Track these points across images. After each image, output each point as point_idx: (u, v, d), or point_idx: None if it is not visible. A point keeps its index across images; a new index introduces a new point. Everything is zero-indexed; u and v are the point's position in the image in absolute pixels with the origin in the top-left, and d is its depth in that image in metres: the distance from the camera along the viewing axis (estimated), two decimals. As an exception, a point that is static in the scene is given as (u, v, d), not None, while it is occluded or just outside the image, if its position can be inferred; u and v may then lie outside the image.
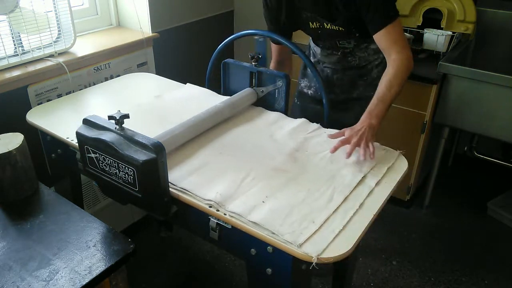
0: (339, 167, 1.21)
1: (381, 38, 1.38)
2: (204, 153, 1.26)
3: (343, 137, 1.26)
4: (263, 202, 1.06)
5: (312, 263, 0.91)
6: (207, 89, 1.66)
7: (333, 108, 1.65)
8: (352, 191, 1.12)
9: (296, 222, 0.99)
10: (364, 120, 1.30)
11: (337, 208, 1.05)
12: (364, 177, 1.17)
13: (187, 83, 1.71)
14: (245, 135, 1.37)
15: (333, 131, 1.36)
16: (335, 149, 1.25)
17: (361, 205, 1.07)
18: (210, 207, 1.04)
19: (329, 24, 1.45)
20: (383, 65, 1.59)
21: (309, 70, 1.74)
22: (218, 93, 1.60)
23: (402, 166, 1.23)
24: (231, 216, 1.02)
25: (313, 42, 1.71)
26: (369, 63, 1.60)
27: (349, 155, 1.23)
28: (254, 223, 0.99)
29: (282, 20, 1.53)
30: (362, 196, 1.10)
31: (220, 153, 1.27)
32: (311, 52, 1.74)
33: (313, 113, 1.69)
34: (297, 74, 2.35)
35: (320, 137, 1.36)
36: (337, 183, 1.14)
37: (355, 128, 1.27)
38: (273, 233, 0.96)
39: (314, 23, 1.49)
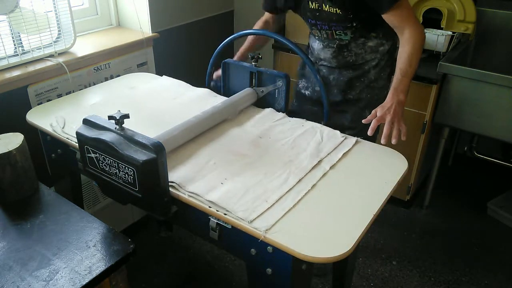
0: (298, 152, 1.27)
1: (392, 17, 1.39)
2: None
3: (377, 117, 1.29)
4: (221, 183, 1.12)
5: (312, 262, 0.91)
6: (181, 81, 1.72)
7: (330, 109, 1.65)
8: (307, 174, 1.17)
9: (250, 201, 1.05)
10: (392, 97, 1.33)
11: (290, 189, 1.11)
12: (320, 161, 1.22)
13: (163, 75, 1.77)
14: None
15: (301, 121, 1.43)
16: (373, 130, 1.29)
17: (314, 186, 1.12)
18: (210, 207, 1.04)
19: (327, 6, 1.45)
20: (380, 66, 1.59)
21: (307, 70, 1.74)
22: (196, 86, 1.62)
23: (402, 166, 1.23)
24: (190, 196, 1.07)
25: (310, 32, 1.69)
26: (366, 63, 1.59)
27: (387, 135, 1.26)
28: (211, 201, 1.05)
29: None
30: (316, 178, 1.15)
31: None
32: (309, 50, 1.74)
33: (311, 114, 1.69)
34: (296, 74, 2.35)
35: (284, 126, 1.42)
36: (293, 167, 1.20)
37: (386, 106, 1.31)
38: (228, 211, 1.02)
39: (313, 2, 1.48)
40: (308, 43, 1.76)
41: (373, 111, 1.33)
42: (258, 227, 0.97)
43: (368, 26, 1.52)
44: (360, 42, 1.56)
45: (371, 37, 1.55)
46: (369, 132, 1.29)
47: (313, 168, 1.19)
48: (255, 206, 1.04)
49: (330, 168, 1.20)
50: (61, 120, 1.41)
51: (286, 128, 1.40)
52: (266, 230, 0.97)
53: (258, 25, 1.71)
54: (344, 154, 1.27)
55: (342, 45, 1.57)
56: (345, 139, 1.34)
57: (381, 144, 1.29)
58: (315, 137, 1.34)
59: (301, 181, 1.14)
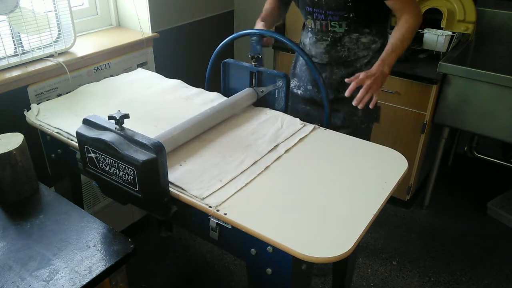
0: (257, 137, 1.33)
1: (394, 2, 1.46)
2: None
3: (358, 79, 1.36)
4: (180, 165, 1.18)
5: (312, 262, 0.91)
6: (156, 74, 1.77)
7: (319, 105, 1.65)
8: (262, 157, 1.23)
9: (205, 181, 1.12)
10: (377, 67, 1.41)
11: (245, 170, 1.17)
12: (276, 146, 1.29)
13: (138, 68, 1.84)
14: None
15: (264, 109, 1.48)
16: (350, 91, 1.36)
17: (267, 167, 1.19)
18: (210, 207, 1.04)
19: None
20: (371, 64, 1.61)
21: (298, 69, 1.75)
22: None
23: (402, 166, 1.23)
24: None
25: (304, 25, 1.69)
26: (358, 60, 1.59)
27: (360, 99, 1.34)
28: (170, 182, 1.10)
29: None
30: (270, 161, 1.21)
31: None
32: (300, 46, 1.75)
33: (303, 113, 1.69)
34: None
35: (249, 113, 1.49)
36: (251, 150, 1.26)
37: (370, 72, 1.38)
38: (183, 189, 1.09)
39: None
40: (300, 40, 1.76)
41: (356, 74, 1.39)
42: (210, 203, 1.04)
43: (363, 20, 1.54)
44: (353, 37, 1.57)
45: (365, 33, 1.57)
46: (347, 93, 1.36)
47: (269, 151, 1.26)
48: (210, 185, 1.10)
49: (285, 152, 1.26)
50: (36, 108, 1.46)
51: (250, 116, 1.47)
52: (217, 206, 1.03)
53: (264, 14, 1.70)
54: (301, 140, 1.33)
55: (336, 38, 1.59)
56: (303, 126, 1.39)
57: (380, 144, 1.30)
58: (275, 124, 1.40)
59: (256, 163, 1.20)
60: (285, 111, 1.49)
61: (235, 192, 1.09)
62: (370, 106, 1.37)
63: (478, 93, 1.96)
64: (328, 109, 1.48)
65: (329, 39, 1.59)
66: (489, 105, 1.96)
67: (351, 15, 1.50)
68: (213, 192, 1.08)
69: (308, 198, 1.09)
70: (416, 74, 2.03)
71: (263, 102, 1.53)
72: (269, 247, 0.98)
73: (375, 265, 2.04)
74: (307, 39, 1.67)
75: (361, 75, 1.37)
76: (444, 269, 2.02)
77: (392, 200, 1.23)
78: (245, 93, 1.50)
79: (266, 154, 1.25)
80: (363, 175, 1.18)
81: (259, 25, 1.61)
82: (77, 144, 1.17)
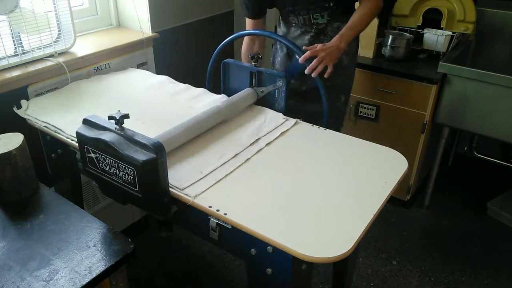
0: (241, 131, 1.37)
1: None
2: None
3: (314, 50, 1.45)
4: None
5: (312, 262, 0.91)
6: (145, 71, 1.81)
7: (303, 98, 1.70)
8: (243, 150, 1.27)
9: (186, 173, 1.15)
10: (335, 40, 1.50)
11: (225, 162, 1.20)
12: (258, 139, 1.32)
13: (129, 67, 1.85)
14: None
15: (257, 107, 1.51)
16: (304, 58, 1.45)
17: (247, 159, 1.22)
18: (210, 207, 1.04)
19: None
20: (352, 54, 1.70)
21: (277, 65, 1.83)
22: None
23: (402, 166, 1.23)
24: None
25: (287, 19, 1.73)
26: None
27: (312, 68, 1.44)
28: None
29: None
30: (251, 153, 1.25)
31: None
32: (278, 44, 1.80)
33: (286, 107, 1.71)
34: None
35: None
36: (232, 144, 1.30)
37: (327, 45, 1.47)
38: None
39: None
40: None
41: (314, 45, 1.48)
42: (189, 193, 1.07)
43: (342, 9, 1.62)
44: (335, 27, 1.64)
45: (345, 21, 1.62)
46: (300, 60, 1.45)
47: (250, 145, 1.29)
48: (189, 176, 1.14)
49: (266, 145, 1.30)
50: (25, 104, 1.49)
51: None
52: (195, 196, 1.06)
53: (246, 41, 1.78)
54: (282, 134, 1.36)
55: (319, 29, 1.66)
56: (286, 120, 1.43)
57: (381, 144, 1.30)
58: (259, 119, 1.44)
59: (237, 156, 1.24)
60: (285, 111, 1.49)
61: (215, 183, 1.12)
62: (325, 76, 1.46)
63: (478, 93, 1.96)
64: (327, 109, 1.48)
65: (313, 30, 1.67)
66: (489, 105, 1.96)
67: (331, 4, 1.58)
68: (193, 183, 1.11)
69: (308, 198, 1.09)
70: (416, 74, 2.03)
71: (263, 102, 1.53)
72: (269, 247, 0.98)
73: (375, 265, 2.04)
74: (290, 34, 1.73)
75: (318, 46, 1.46)
76: (444, 269, 2.02)
77: (392, 200, 1.23)
78: (245, 93, 1.50)
79: (248, 147, 1.28)
80: (363, 175, 1.18)
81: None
82: (77, 144, 1.17)
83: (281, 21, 1.79)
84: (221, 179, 1.14)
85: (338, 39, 1.50)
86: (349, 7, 1.65)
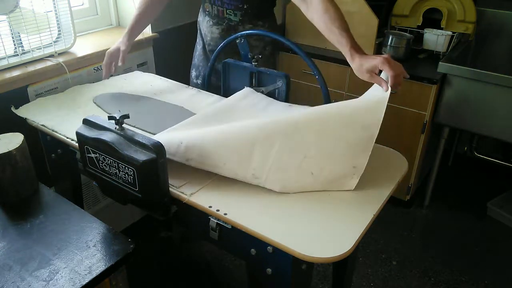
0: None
1: None
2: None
3: (394, 74, 1.18)
4: None
5: (312, 262, 0.91)
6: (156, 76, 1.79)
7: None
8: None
9: (184, 169, 1.14)
10: (371, 55, 1.22)
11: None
12: None
13: (135, 71, 1.85)
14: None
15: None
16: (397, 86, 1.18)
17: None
18: (210, 207, 1.04)
19: None
20: (265, 55, 1.67)
21: (196, 60, 1.86)
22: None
23: (402, 166, 1.23)
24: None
25: (204, 5, 1.73)
26: (251, 48, 1.56)
27: (399, 84, 1.18)
28: None
29: None
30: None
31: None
32: (201, 33, 1.81)
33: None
34: (297, 74, 2.36)
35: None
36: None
37: (376, 60, 1.19)
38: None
39: None
40: (197, 21, 1.83)
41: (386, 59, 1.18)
42: (185, 191, 1.08)
43: (257, 14, 1.60)
44: (247, 28, 1.62)
45: (258, 25, 1.62)
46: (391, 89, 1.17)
47: None
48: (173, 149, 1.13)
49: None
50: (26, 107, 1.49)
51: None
52: (191, 194, 1.07)
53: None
54: None
55: (230, 26, 1.65)
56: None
57: (380, 144, 1.29)
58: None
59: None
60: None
61: (211, 182, 1.12)
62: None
63: (478, 93, 1.96)
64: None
65: (224, 24, 1.66)
66: (489, 105, 1.96)
67: (245, 7, 1.56)
68: (188, 182, 1.12)
69: (308, 198, 1.09)
70: (416, 74, 2.03)
71: (263, 102, 1.53)
72: (269, 247, 0.98)
73: (375, 265, 2.04)
74: (204, 23, 1.74)
75: (391, 69, 1.20)
76: (444, 269, 2.02)
77: (392, 200, 1.23)
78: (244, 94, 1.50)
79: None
80: (363, 175, 1.18)
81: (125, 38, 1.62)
82: (77, 144, 1.17)
83: (201, 9, 1.80)
84: (218, 179, 1.13)
85: (360, 49, 1.23)
86: (265, 13, 1.63)
